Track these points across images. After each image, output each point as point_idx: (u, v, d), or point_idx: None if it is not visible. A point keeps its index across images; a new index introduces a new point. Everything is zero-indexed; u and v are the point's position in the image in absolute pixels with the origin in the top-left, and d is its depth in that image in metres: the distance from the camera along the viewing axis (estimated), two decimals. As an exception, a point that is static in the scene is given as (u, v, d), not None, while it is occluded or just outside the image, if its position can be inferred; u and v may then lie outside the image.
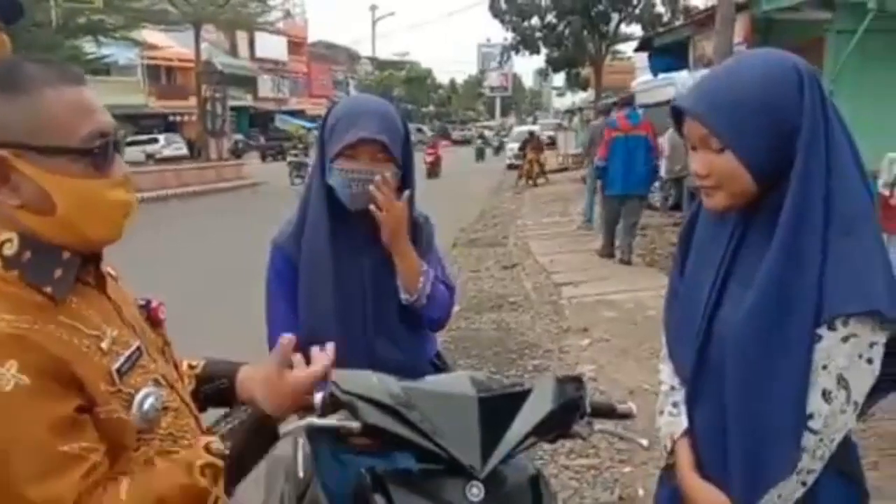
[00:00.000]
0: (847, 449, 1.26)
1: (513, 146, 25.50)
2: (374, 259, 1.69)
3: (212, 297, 7.02)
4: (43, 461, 0.90)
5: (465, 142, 44.19)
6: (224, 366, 1.37)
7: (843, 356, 1.16)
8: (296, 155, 19.77)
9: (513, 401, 1.28)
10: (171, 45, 32.65)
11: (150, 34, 27.52)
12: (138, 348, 1.07)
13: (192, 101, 27.65)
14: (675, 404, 1.45)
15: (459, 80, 76.81)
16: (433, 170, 22.42)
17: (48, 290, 0.96)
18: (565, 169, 23.14)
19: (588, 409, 1.36)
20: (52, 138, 0.95)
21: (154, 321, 1.21)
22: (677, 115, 1.28)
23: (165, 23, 24.73)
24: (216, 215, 13.91)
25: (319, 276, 1.67)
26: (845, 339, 1.16)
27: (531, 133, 21.89)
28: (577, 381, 1.38)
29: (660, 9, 24.00)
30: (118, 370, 1.01)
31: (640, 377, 4.49)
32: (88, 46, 18.99)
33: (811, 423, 1.18)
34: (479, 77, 68.91)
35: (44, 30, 16.28)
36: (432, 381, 1.35)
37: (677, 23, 18.47)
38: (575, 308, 6.42)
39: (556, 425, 1.31)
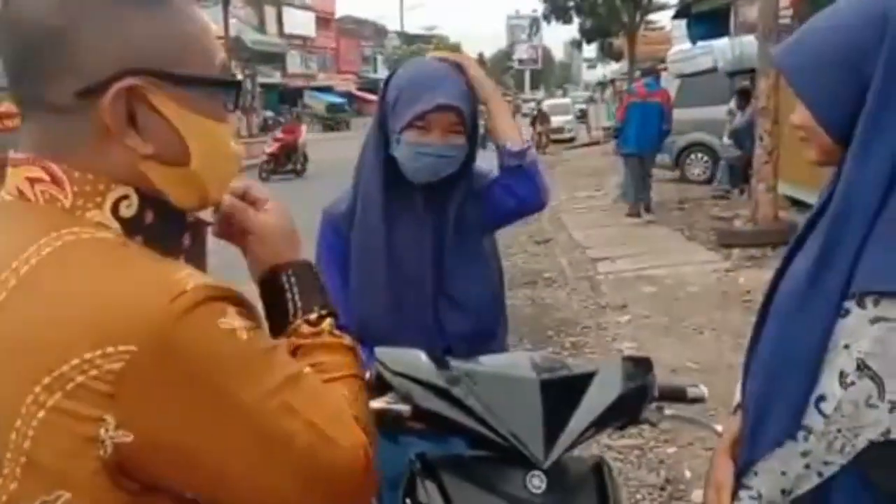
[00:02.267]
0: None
1: None
2: (438, 235, 1.57)
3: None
4: (317, 389, 0.76)
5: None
6: None
7: (868, 340, 1.01)
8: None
9: (576, 384, 1.17)
10: (200, 21, 32.60)
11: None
12: None
13: (222, 77, 27.64)
14: None
15: (488, 53, 76.04)
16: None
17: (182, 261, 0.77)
18: (597, 143, 22.76)
19: (656, 394, 1.25)
20: (195, 65, 0.74)
21: None
22: None
23: (194, -2, 24.67)
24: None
25: (373, 255, 1.55)
26: (874, 321, 1.01)
27: (539, 109, 24.99)
28: (646, 362, 1.26)
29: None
30: None
31: (685, 355, 4.35)
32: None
33: (822, 405, 1.05)
34: (507, 50, 68.11)
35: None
36: (488, 362, 1.24)
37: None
38: (612, 284, 6.27)
39: (625, 411, 1.20)
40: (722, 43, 11.34)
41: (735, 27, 9.51)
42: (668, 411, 1.27)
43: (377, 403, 1.19)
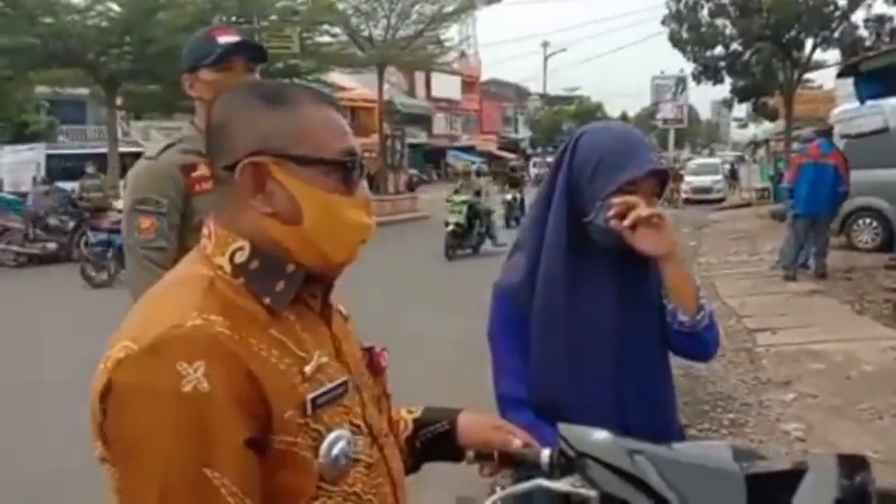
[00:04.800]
0: None
1: (690, 179, 26.37)
2: (621, 307, 1.50)
3: (391, 320, 7.19)
4: (184, 482, 0.80)
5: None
6: (444, 411, 1.30)
7: None
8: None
9: (786, 481, 1.07)
10: (355, 86, 34.80)
11: (338, 77, 29.51)
12: (344, 384, 0.97)
13: (373, 138, 29.16)
14: None
15: (631, 112, 75.09)
16: None
17: (267, 300, 0.93)
18: (748, 204, 21.66)
19: (873, 499, 1.12)
20: (310, 149, 0.95)
21: (375, 368, 1.13)
22: None
23: (353, 65, 26.40)
24: (394, 244, 14.42)
25: (555, 329, 1.50)
26: None
27: (673, 169, 26.30)
28: (862, 461, 1.14)
29: (862, 32, 21.95)
30: (314, 400, 0.91)
31: (863, 442, 3.93)
32: (285, 89, 20.70)
33: None
34: (651, 109, 66.94)
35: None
36: (683, 449, 1.17)
37: (884, 46, 16.75)
38: (773, 358, 5.83)
39: (841, 518, 1.07)
40: (894, 102, 10.50)
41: (913, 85, 8.77)
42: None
43: (562, 485, 1.15)
